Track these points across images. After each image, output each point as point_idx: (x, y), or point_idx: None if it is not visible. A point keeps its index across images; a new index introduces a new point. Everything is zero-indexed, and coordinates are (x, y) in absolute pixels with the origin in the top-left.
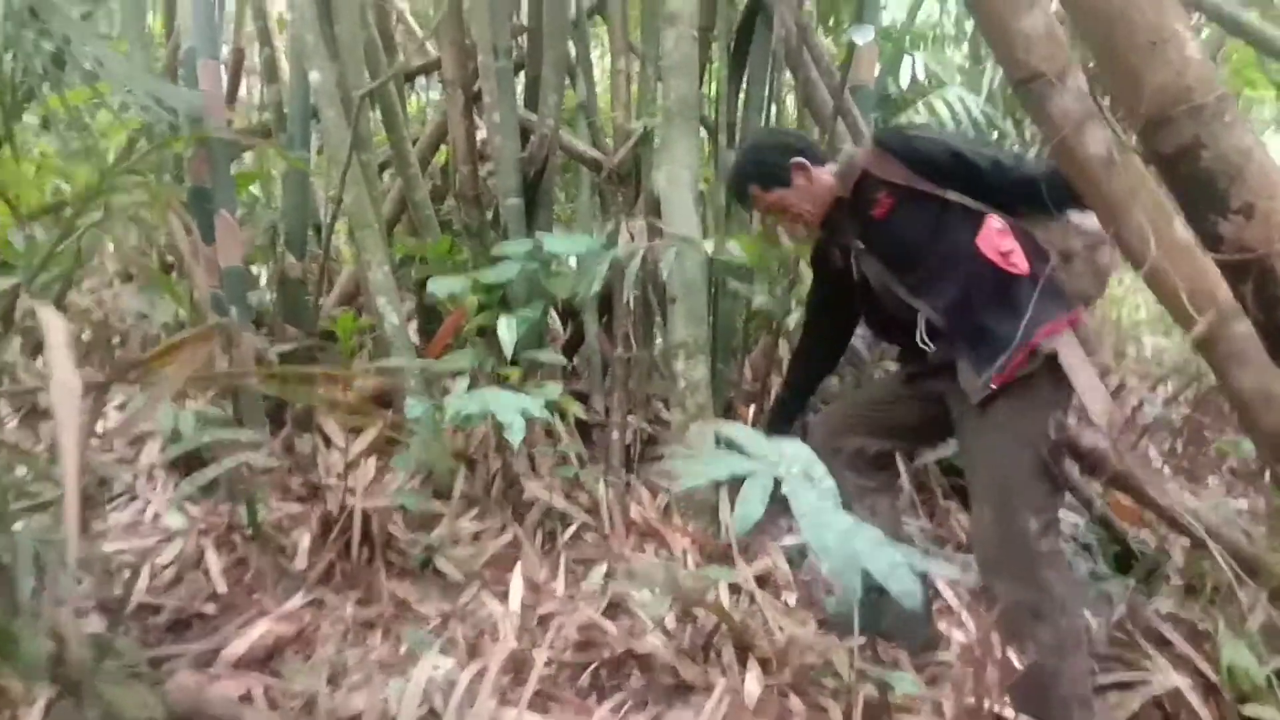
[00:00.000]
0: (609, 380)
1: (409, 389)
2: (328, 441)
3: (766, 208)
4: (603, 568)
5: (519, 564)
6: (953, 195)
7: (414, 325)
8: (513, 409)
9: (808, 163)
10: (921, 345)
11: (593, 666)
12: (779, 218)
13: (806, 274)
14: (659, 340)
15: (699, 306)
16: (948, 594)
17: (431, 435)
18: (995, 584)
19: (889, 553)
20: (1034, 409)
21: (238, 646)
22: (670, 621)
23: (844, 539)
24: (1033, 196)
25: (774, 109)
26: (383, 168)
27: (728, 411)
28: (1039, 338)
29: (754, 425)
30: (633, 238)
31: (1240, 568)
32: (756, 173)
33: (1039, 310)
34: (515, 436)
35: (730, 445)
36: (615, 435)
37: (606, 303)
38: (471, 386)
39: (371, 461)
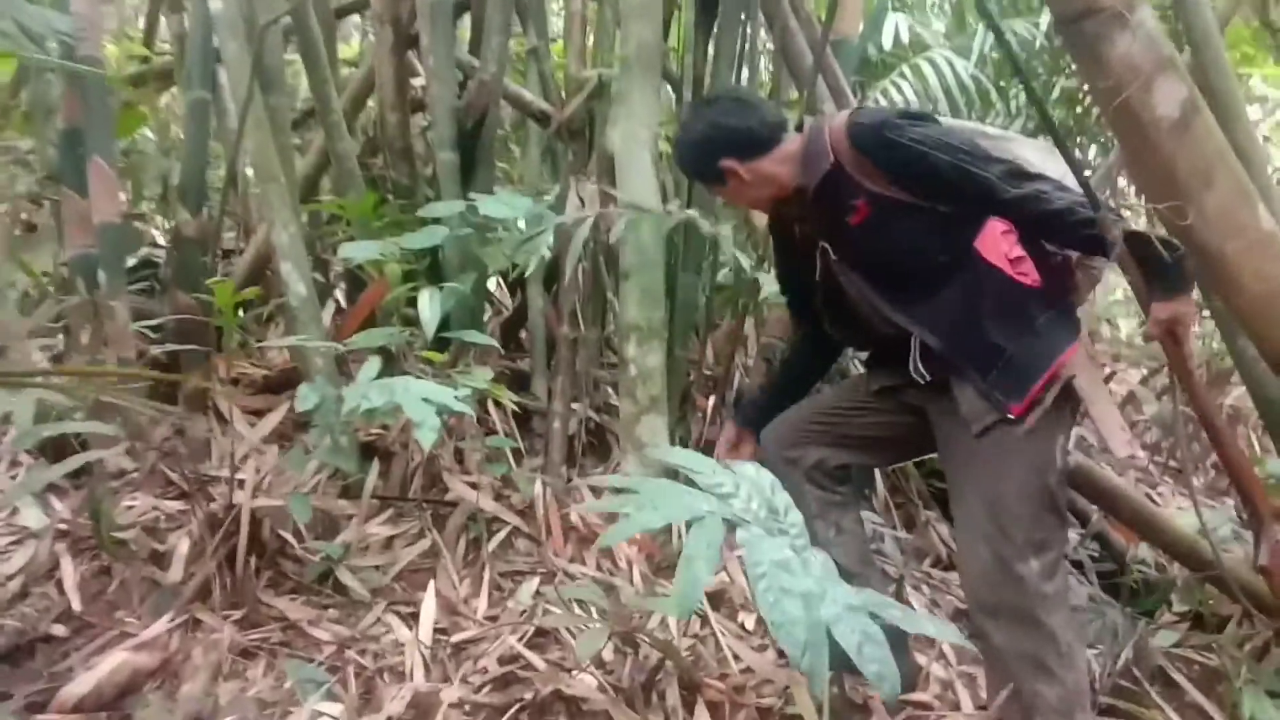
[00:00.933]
0: (554, 362)
1: (315, 371)
2: (224, 424)
3: (711, 191)
4: (534, 583)
5: (435, 579)
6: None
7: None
8: (425, 403)
9: (738, 166)
10: (916, 374)
11: (513, 710)
12: None
13: None
14: (611, 318)
15: (655, 284)
16: None
17: (332, 429)
18: (991, 630)
19: (861, 620)
20: (1041, 435)
21: (82, 684)
22: (609, 652)
23: (808, 607)
24: (1050, 233)
25: (747, 62)
26: (309, 115)
27: (684, 402)
28: (1062, 362)
29: (714, 418)
30: (583, 203)
31: (1248, 596)
32: (690, 169)
33: (1057, 329)
34: (427, 438)
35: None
36: (557, 425)
37: (556, 273)
38: (389, 371)
39: (273, 452)
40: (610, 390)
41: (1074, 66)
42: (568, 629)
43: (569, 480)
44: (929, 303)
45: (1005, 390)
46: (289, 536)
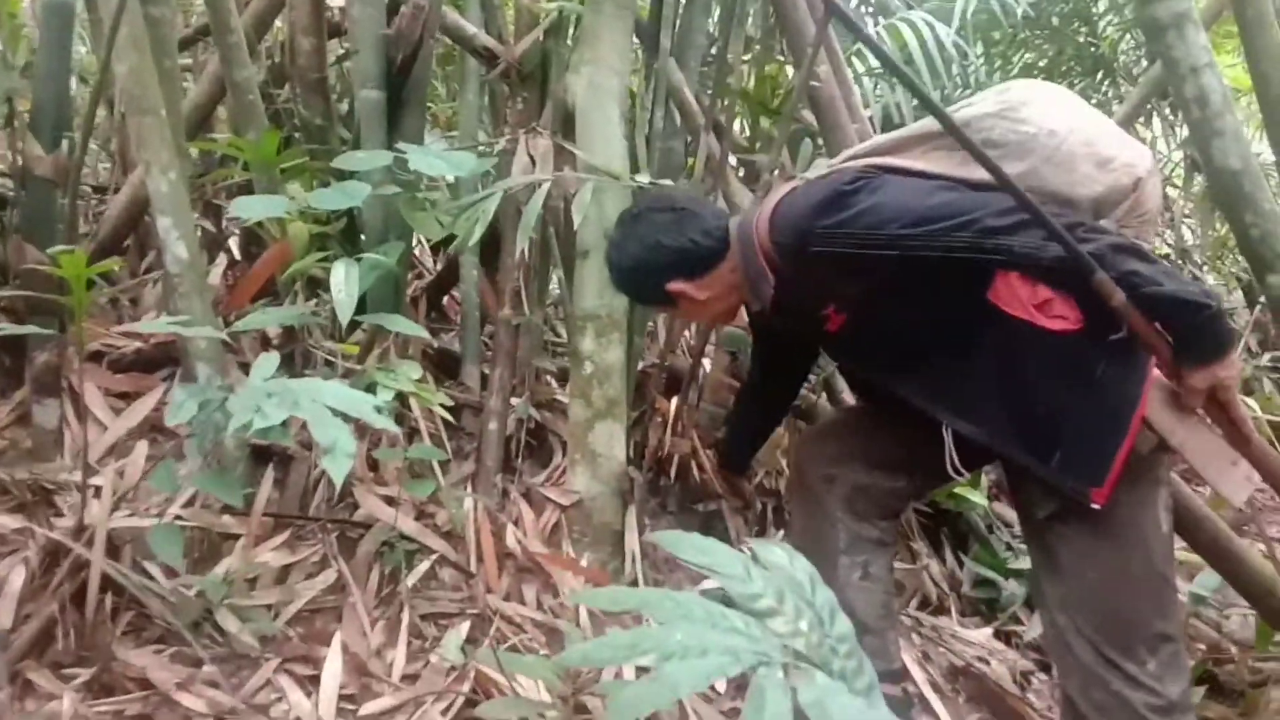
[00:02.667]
0: (490, 347)
1: (196, 355)
2: (83, 414)
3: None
4: (463, 628)
5: (340, 626)
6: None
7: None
8: (336, 419)
9: (687, 287)
10: (953, 473)
11: None
12: None
13: None
14: (559, 300)
15: None
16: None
17: (210, 447)
18: None
19: None
20: (1139, 507)
21: None
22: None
23: None
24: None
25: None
26: (202, 34)
27: (639, 400)
28: (1139, 418)
29: (676, 424)
30: (534, 162)
31: None
32: (633, 295)
33: (1124, 373)
34: (338, 469)
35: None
36: (493, 425)
37: (494, 242)
38: (289, 360)
39: (143, 449)
40: (554, 382)
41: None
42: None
43: (505, 492)
44: (955, 382)
45: (1078, 473)
46: (156, 568)
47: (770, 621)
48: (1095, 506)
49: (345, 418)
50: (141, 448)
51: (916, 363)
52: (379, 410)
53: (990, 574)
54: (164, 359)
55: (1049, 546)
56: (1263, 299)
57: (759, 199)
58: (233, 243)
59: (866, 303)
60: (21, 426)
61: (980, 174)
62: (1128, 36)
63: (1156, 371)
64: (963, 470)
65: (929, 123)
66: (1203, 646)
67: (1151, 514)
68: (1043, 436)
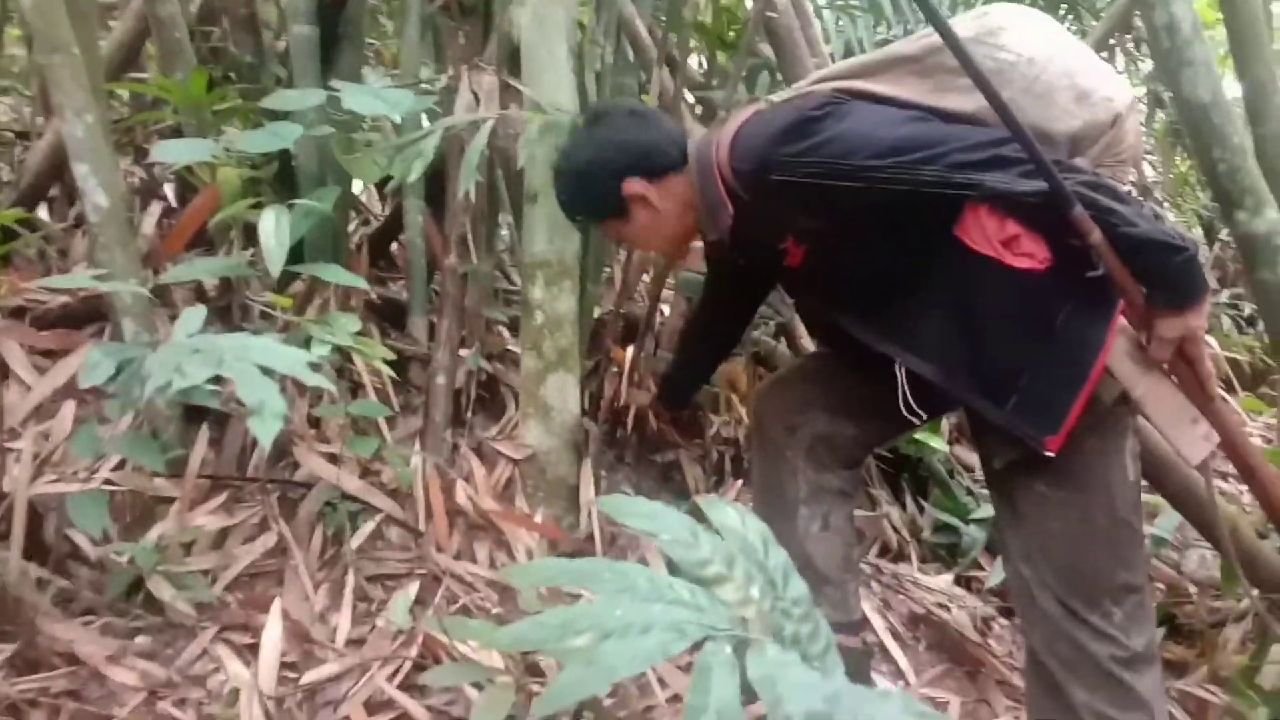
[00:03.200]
0: (437, 296)
1: (123, 310)
2: (5, 374)
3: (606, 234)
4: (411, 589)
5: (281, 591)
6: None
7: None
8: (264, 377)
9: (646, 189)
10: (907, 414)
11: None
12: None
13: None
14: (508, 245)
15: None
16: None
17: (131, 410)
18: (1070, 685)
19: None
20: (1100, 456)
21: None
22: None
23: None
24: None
25: None
26: None
27: (595, 349)
28: (1100, 367)
29: (633, 374)
30: (478, 99)
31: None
32: (580, 203)
33: (1087, 320)
34: (266, 431)
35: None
36: (441, 379)
37: (440, 186)
38: (222, 314)
39: (70, 410)
40: (505, 332)
41: None
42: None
43: (455, 447)
44: (913, 320)
45: (1033, 420)
46: (82, 535)
47: (719, 589)
48: (1049, 454)
49: (276, 375)
50: (68, 409)
51: (876, 301)
52: (313, 367)
53: (951, 520)
54: (92, 314)
55: (1010, 496)
56: (1223, 235)
57: (718, 123)
58: (169, 189)
59: (827, 236)
60: None
61: (953, 103)
62: None
63: (1122, 320)
64: (918, 413)
65: (900, 46)
66: (1162, 587)
67: (1118, 462)
68: (999, 380)
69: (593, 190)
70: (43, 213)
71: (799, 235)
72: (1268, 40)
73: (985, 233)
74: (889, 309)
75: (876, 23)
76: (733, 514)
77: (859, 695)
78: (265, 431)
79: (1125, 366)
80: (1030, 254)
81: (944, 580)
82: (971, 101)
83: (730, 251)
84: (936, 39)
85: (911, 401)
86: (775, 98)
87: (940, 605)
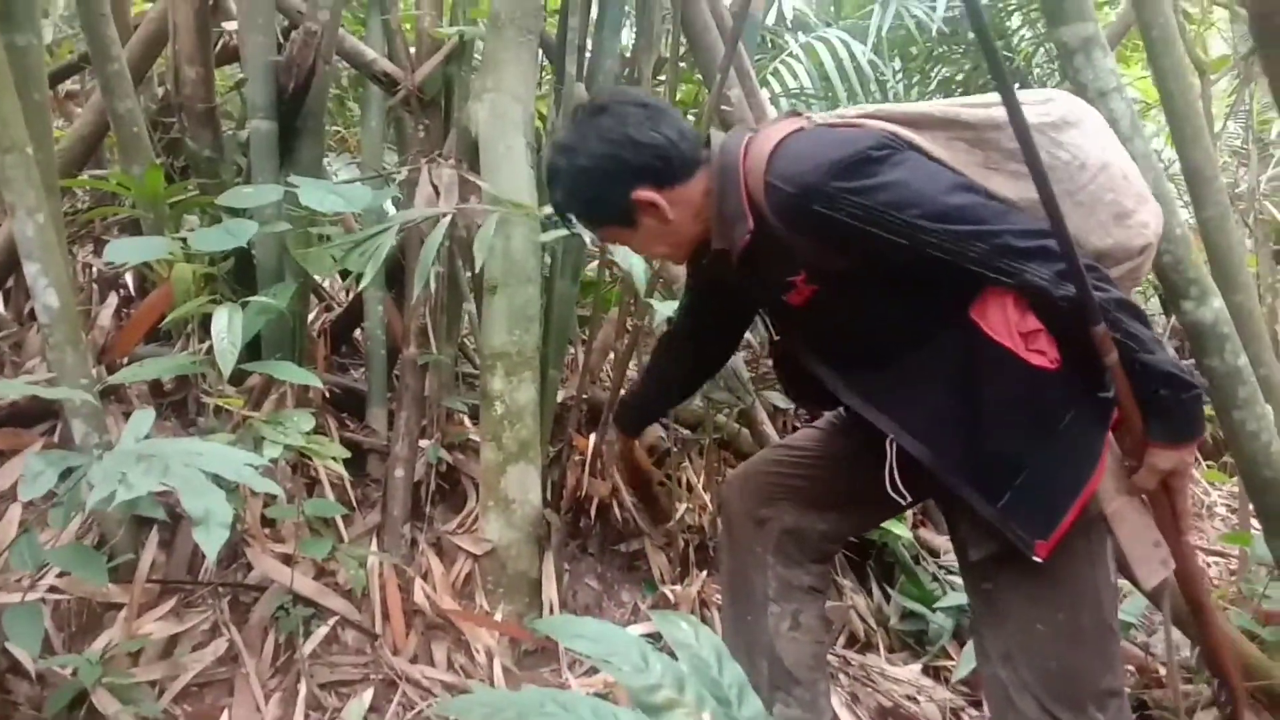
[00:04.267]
0: (397, 386)
1: (73, 411)
2: None
3: (604, 239)
4: (367, 696)
5: (231, 700)
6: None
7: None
8: (208, 487)
9: (656, 197)
10: (893, 494)
11: None
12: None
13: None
14: (468, 334)
15: (528, 301)
16: None
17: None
18: None
19: None
20: (1086, 558)
21: None
22: None
23: None
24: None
25: (640, 28)
26: (82, 62)
27: (557, 437)
28: (1098, 477)
29: (594, 462)
30: (438, 192)
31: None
32: (581, 207)
33: (1088, 429)
34: (211, 544)
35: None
36: (399, 472)
37: (401, 273)
38: (180, 412)
39: (14, 516)
40: (467, 421)
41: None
42: None
43: (413, 542)
44: (911, 395)
45: (1024, 522)
46: (20, 651)
47: (668, 716)
48: (1037, 560)
49: (225, 481)
50: (14, 512)
51: (874, 365)
52: (267, 465)
53: (918, 608)
54: (42, 413)
55: (990, 593)
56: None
57: (743, 127)
58: (128, 278)
59: (844, 282)
60: None
61: (997, 186)
62: (1041, 51)
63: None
64: (903, 494)
65: (960, 110)
66: (1132, 670)
67: (1103, 564)
68: (994, 475)
69: (597, 194)
70: None
71: (813, 272)
72: (1205, 126)
73: (1007, 322)
74: (886, 378)
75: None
76: (686, 627)
77: None
78: (211, 542)
79: (1105, 481)
80: (1044, 352)
81: (912, 670)
82: (1016, 190)
83: (732, 268)
84: (997, 114)
85: (899, 483)
86: (818, 117)
87: (909, 697)
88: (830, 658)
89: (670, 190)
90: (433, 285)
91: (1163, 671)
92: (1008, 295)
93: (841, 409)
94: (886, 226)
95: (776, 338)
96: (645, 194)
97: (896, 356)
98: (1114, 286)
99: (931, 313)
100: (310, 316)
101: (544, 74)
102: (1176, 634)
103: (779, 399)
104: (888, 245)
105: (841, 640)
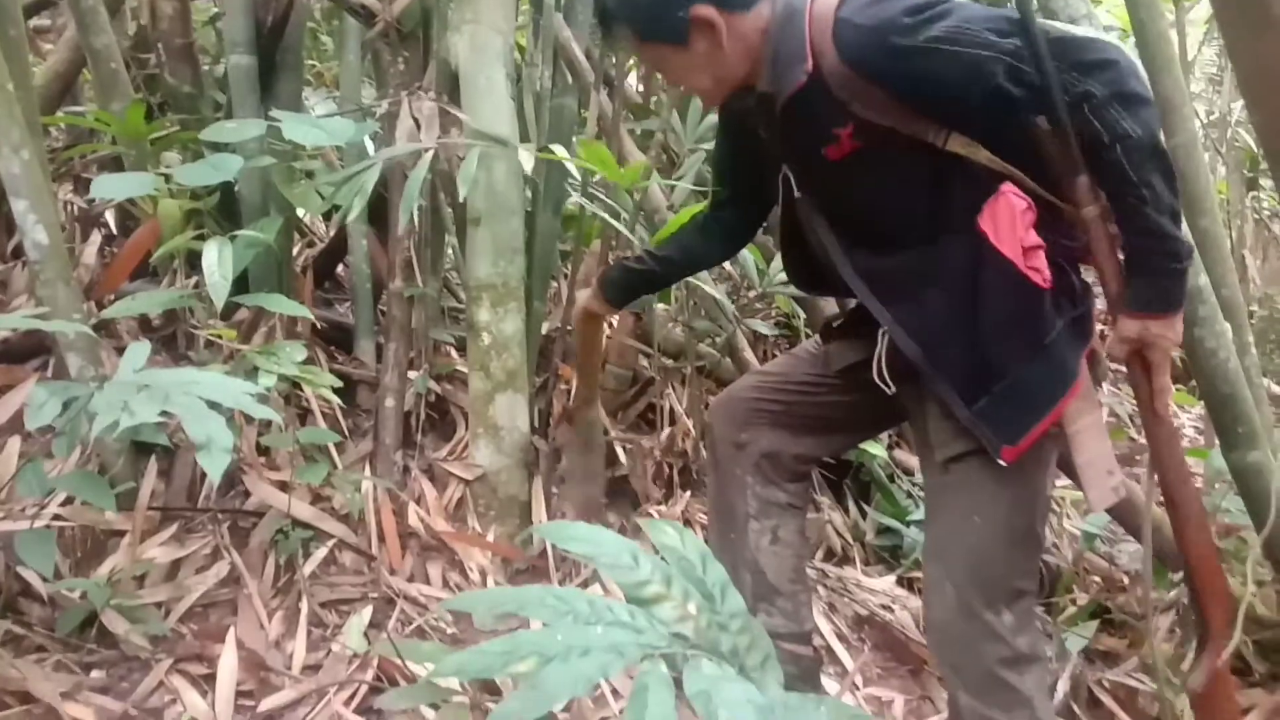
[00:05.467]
0: (384, 319)
1: (66, 345)
2: None
3: (644, 60)
4: (366, 613)
5: (235, 620)
6: (957, 145)
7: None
8: (210, 413)
9: (715, 16)
10: (879, 381)
11: None
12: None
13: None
14: (454, 265)
15: (511, 233)
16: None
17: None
18: (954, 686)
19: None
20: (1037, 466)
21: None
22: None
23: None
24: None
25: None
26: None
27: (543, 367)
28: (1072, 396)
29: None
30: (419, 125)
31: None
32: (634, 12)
33: (1068, 348)
34: (215, 466)
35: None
36: (389, 402)
37: (382, 205)
38: (170, 347)
39: (14, 448)
40: (454, 353)
41: None
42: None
43: (406, 469)
44: (910, 292)
45: (997, 426)
46: (33, 573)
47: (657, 608)
48: (1001, 463)
49: (223, 408)
50: (13, 445)
51: (882, 250)
52: (259, 397)
53: (892, 523)
54: (36, 348)
55: (945, 490)
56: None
57: None
58: (110, 217)
59: (884, 146)
60: None
61: None
62: None
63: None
64: (889, 381)
65: None
66: (1097, 579)
67: (1046, 474)
68: (978, 378)
69: (655, 4)
70: None
71: (860, 127)
72: (1175, 55)
73: (1010, 230)
74: (886, 265)
75: None
76: (672, 533)
77: (794, 706)
78: (214, 466)
79: (1076, 401)
80: (1040, 270)
81: (887, 582)
82: None
83: (770, 118)
84: None
85: (886, 374)
86: None
87: (884, 606)
88: (810, 570)
89: (730, 15)
90: (416, 219)
91: (1126, 582)
92: (1017, 204)
93: (818, 337)
94: (957, 57)
95: (799, 192)
96: (705, 11)
97: (903, 248)
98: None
99: (944, 213)
100: (295, 251)
101: (523, 5)
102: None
103: (761, 326)
104: (965, 82)
105: (820, 554)
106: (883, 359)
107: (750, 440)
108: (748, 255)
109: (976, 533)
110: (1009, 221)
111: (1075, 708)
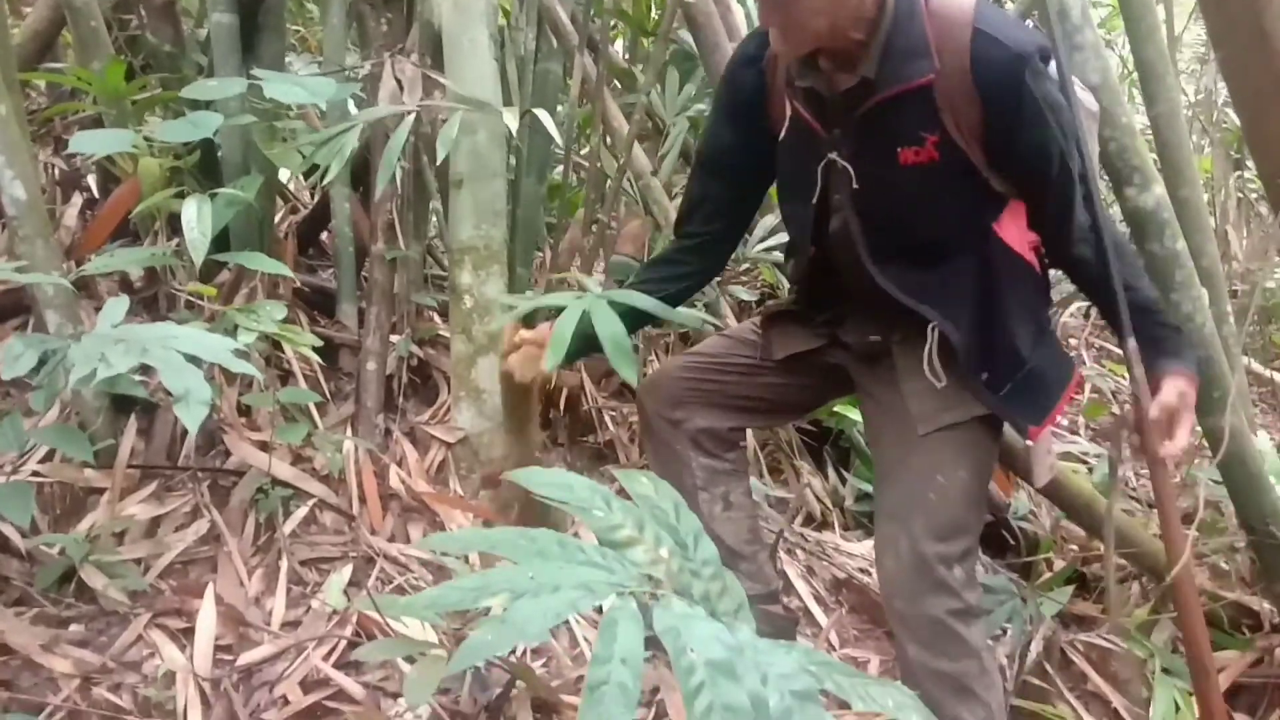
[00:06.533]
0: (367, 283)
1: (45, 302)
2: None
3: None
4: (346, 572)
5: (215, 576)
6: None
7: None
8: (189, 365)
9: None
10: (930, 374)
11: None
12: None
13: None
14: (435, 226)
15: (494, 196)
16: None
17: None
18: (904, 640)
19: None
20: (995, 436)
21: None
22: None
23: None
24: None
25: None
26: None
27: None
28: (1077, 379)
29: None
30: (402, 87)
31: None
32: None
33: (1058, 341)
34: (192, 420)
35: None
36: (371, 365)
37: (366, 169)
38: (151, 307)
39: None
40: (436, 317)
41: None
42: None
43: (387, 431)
44: (944, 287)
45: (1022, 410)
46: (12, 528)
47: (629, 551)
48: (1030, 444)
49: (202, 363)
50: None
51: (911, 250)
52: (237, 354)
53: (871, 488)
54: (15, 307)
55: (912, 455)
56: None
57: None
58: (91, 180)
59: (952, 164)
60: None
61: None
62: None
63: None
64: (939, 374)
65: None
66: (1075, 547)
67: (997, 444)
68: (1003, 367)
69: None
70: None
71: (944, 140)
72: (1159, 24)
73: (1021, 231)
74: (920, 274)
75: None
76: (645, 481)
77: (764, 648)
78: (191, 418)
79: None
80: (1036, 263)
81: (865, 546)
82: None
83: (859, 107)
84: None
85: (936, 362)
86: None
87: (861, 570)
88: (788, 535)
89: None
90: (399, 183)
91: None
92: (1019, 213)
93: (753, 322)
94: (1054, 137)
95: (856, 185)
96: None
97: (938, 255)
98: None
99: (973, 224)
100: (277, 219)
101: None
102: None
103: (744, 293)
104: (1040, 154)
105: (800, 519)
106: (934, 353)
107: (686, 418)
108: None
109: (939, 492)
110: (1017, 224)
111: (1048, 667)
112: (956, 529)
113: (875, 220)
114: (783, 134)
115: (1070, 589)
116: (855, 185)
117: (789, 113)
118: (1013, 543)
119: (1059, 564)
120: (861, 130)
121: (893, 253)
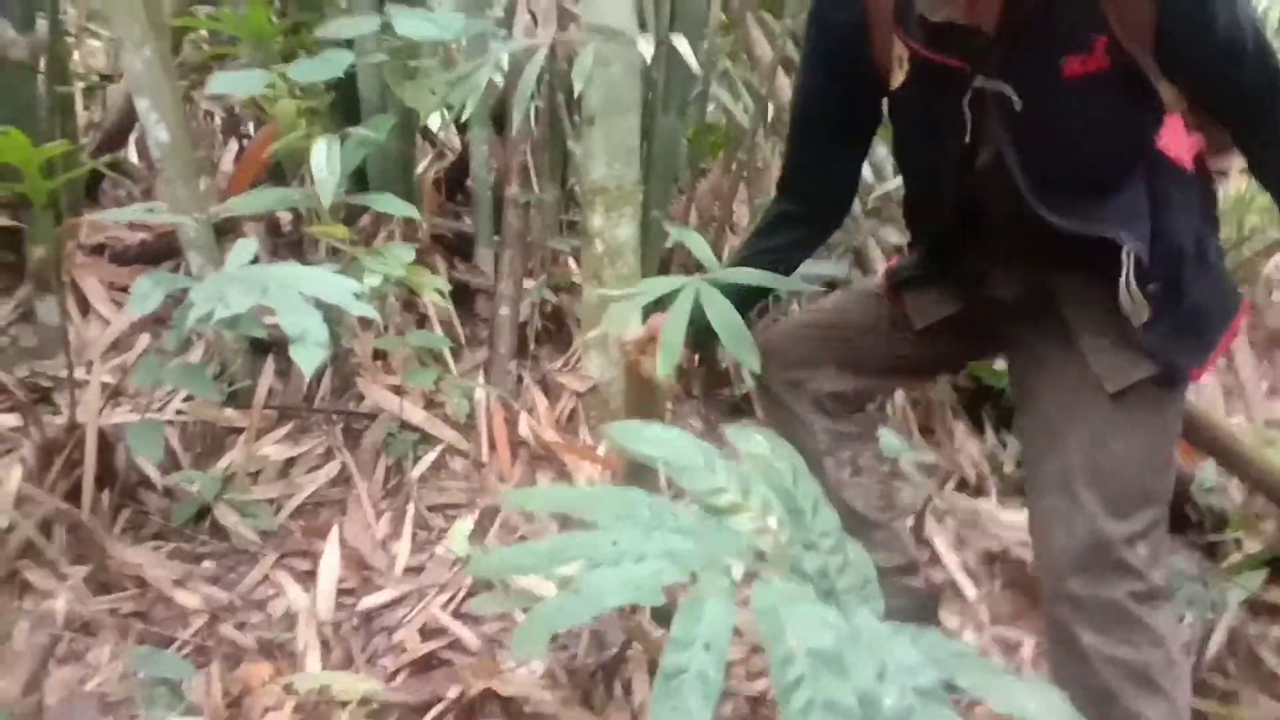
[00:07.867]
0: (502, 228)
1: (189, 244)
2: (86, 309)
3: None
4: (470, 520)
5: (342, 520)
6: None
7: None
8: (308, 306)
9: None
10: (1126, 298)
11: (432, 713)
12: None
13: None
14: (572, 172)
15: (627, 133)
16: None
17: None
18: (1077, 627)
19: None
20: (1181, 394)
21: None
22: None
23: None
24: None
25: None
26: None
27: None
28: (1243, 313)
29: None
30: (536, 21)
31: None
32: None
33: (1224, 269)
34: (308, 360)
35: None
36: (505, 310)
37: (505, 110)
38: (291, 252)
39: (143, 345)
40: (573, 263)
41: None
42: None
43: (519, 379)
44: (1120, 210)
45: (1182, 344)
46: (153, 465)
47: (732, 519)
48: (1193, 383)
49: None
50: (143, 342)
51: (1082, 183)
52: (359, 296)
53: None
54: (169, 250)
55: (1095, 413)
56: None
57: None
58: (252, 126)
59: (1122, 73)
60: (25, 323)
61: None
62: None
63: None
64: (1134, 295)
65: None
66: (1270, 526)
67: (1182, 402)
68: (1165, 301)
69: None
70: (133, 155)
71: (1113, 47)
72: None
73: (1182, 144)
74: (1101, 199)
75: None
76: (761, 440)
77: (880, 635)
78: (307, 360)
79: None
80: (1200, 176)
81: (1024, 516)
82: None
83: (1015, 14)
84: None
85: (1133, 283)
86: None
87: (1021, 543)
88: (937, 501)
89: None
90: (533, 123)
91: None
92: (1178, 123)
93: (877, 287)
94: (1253, 31)
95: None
96: None
97: (1104, 184)
98: None
99: (1137, 143)
100: (424, 164)
101: None
102: None
103: (894, 235)
104: (1236, 64)
105: (952, 484)
106: (1130, 274)
107: (808, 378)
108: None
109: (1123, 466)
110: (1178, 135)
111: (1230, 664)
112: (1142, 500)
113: (1035, 149)
114: (900, 80)
115: (1262, 574)
116: (1017, 109)
117: (907, 55)
118: (1195, 519)
119: (1250, 546)
120: (1017, 43)
121: (1057, 182)
